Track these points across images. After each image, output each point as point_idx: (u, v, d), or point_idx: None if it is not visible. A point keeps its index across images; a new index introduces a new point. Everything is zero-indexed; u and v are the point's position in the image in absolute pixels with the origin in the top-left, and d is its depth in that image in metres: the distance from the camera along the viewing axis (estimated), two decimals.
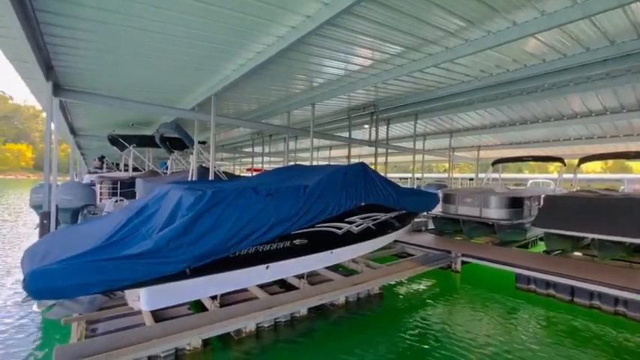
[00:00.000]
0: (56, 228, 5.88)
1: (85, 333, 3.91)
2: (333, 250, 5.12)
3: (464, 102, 9.73)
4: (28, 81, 6.63)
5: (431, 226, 10.52)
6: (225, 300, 4.69)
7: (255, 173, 20.46)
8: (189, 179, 8.44)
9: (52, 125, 5.82)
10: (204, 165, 9.87)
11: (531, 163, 14.30)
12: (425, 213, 9.70)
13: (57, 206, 5.98)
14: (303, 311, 4.91)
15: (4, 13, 3.37)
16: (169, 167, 12.90)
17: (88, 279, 2.96)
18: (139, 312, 4.26)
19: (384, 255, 7.84)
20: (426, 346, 4.38)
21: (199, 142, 10.18)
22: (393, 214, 6.21)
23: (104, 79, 6.95)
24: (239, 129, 14.96)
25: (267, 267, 4.28)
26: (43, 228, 5.52)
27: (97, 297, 4.17)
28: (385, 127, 12.58)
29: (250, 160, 23.55)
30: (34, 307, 3.71)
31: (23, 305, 5.04)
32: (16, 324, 4.71)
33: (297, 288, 5.41)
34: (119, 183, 10.35)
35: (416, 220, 9.45)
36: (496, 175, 12.31)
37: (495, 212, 8.54)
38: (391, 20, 4.73)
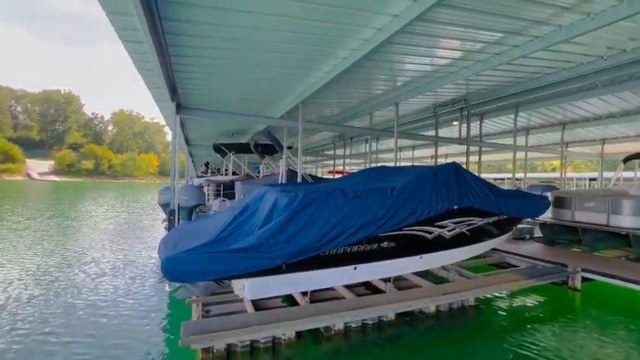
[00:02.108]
0: (177, 223, 7.08)
1: (202, 313, 4.60)
2: (423, 255, 4.88)
3: (582, 87, 8.14)
4: (159, 103, 8.19)
5: (537, 234, 9.11)
6: (315, 297, 4.92)
7: (337, 175, 20.98)
8: (279, 182, 9.15)
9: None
10: (290, 168, 10.59)
11: None
12: (530, 219, 8.46)
13: (178, 205, 7.20)
14: (391, 315, 4.81)
15: (147, 52, 4.29)
16: (261, 171, 14.21)
17: (206, 267, 3.49)
18: (241, 300, 4.80)
19: (480, 264, 7.11)
20: None
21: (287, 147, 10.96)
22: (490, 219, 5.60)
23: (212, 96, 8.09)
24: (321, 133, 15.55)
25: (354, 268, 4.34)
26: (170, 223, 6.72)
27: (210, 283, 4.86)
28: (478, 122, 11.42)
29: (331, 162, 24.18)
30: (166, 288, 4.54)
31: (159, 285, 6.29)
32: (153, 299, 5.98)
33: (382, 291, 5.35)
34: (222, 185, 11.89)
35: (519, 226, 8.30)
36: (630, 174, 9.94)
37: (631, 220, 6.91)
38: (487, 5, 4.29)
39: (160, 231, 12.83)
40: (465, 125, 10.07)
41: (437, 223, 4.82)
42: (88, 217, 18.45)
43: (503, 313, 5.57)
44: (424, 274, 5.99)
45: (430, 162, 21.36)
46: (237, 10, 3.94)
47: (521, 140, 13.34)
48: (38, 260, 8.55)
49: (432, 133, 11.45)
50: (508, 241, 7.98)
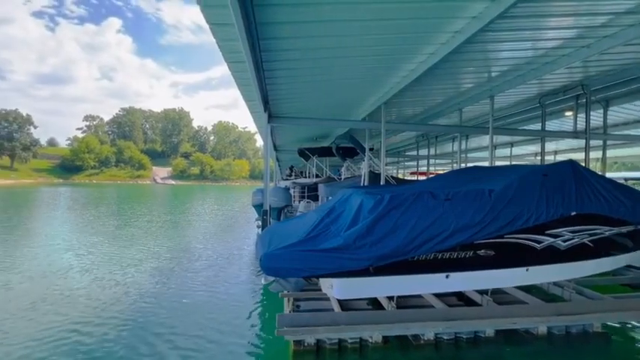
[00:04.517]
0: (269, 223, 7.74)
1: (293, 307, 4.94)
2: (529, 268, 4.27)
3: None
4: (253, 114, 9.11)
5: None
6: (401, 302, 4.77)
7: (420, 177, 19.91)
8: (362, 184, 9.17)
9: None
10: (372, 170, 10.51)
11: None
12: None
13: (270, 206, 7.87)
14: (490, 332, 4.35)
15: (247, 70, 4.86)
16: (342, 173, 14.48)
17: (299, 264, 3.74)
18: (328, 298, 4.97)
19: (609, 283, 5.88)
20: None
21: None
22: (623, 229, 4.58)
23: (299, 104, 8.62)
24: (403, 133, 15.01)
25: (446, 276, 4.05)
26: (264, 222, 7.41)
27: (300, 280, 5.15)
28: (600, 111, 9.45)
29: (414, 163, 23.09)
30: (262, 281, 5.02)
31: (255, 277, 7.06)
32: (250, 290, 6.76)
33: (478, 304, 4.87)
34: (306, 187, 12.54)
35: None
36: None
37: None
38: None
39: (253, 228, 14.32)
40: (584, 116, 8.45)
41: (548, 232, 4.15)
42: (203, 214, 22.95)
43: None
44: (529, 289, 5.25)
45: (534, 160, 18.57)
46: (327, 21, 4.11)
47: None
48: (165, 246, 10.70)
49: (536, 126, 9.94)
50: None
